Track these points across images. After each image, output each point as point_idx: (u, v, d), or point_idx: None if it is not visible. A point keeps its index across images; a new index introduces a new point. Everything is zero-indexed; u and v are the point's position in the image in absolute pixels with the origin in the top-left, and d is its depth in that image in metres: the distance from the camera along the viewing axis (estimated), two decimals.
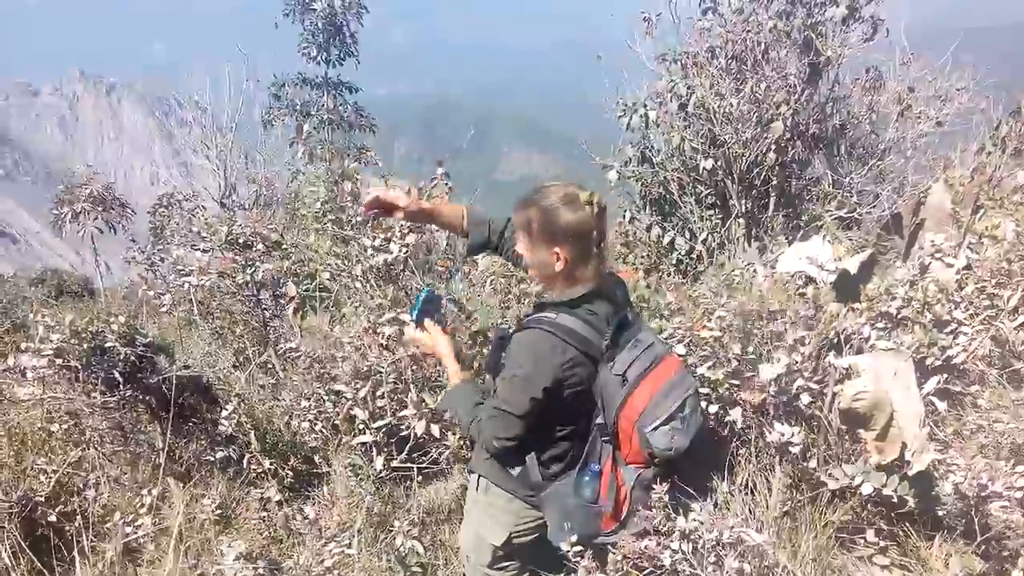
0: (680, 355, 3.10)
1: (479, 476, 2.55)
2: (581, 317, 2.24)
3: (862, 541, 2.72)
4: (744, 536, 2.20)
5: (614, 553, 2.38)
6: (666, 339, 3.18)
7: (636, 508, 2.34)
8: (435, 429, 3.41)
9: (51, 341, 3.34)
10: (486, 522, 2.55)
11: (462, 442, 3.39)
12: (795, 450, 2.65)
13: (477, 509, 2.58)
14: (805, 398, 2.76)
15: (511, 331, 2.42)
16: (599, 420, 2.29)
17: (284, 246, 4.38)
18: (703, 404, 3.00)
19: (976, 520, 2.51)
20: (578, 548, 2.39)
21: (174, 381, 3.62)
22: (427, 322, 2.52)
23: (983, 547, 2.53)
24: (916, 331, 3.00)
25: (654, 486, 2.31)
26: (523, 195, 2.30)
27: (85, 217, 12.96)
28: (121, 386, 3.58)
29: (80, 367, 3.44)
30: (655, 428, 2.17)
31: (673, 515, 2.29)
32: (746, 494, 2.80)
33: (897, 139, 6.57)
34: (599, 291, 2.30)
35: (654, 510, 2.32)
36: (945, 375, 2.94)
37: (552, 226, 2.21)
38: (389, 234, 3.68)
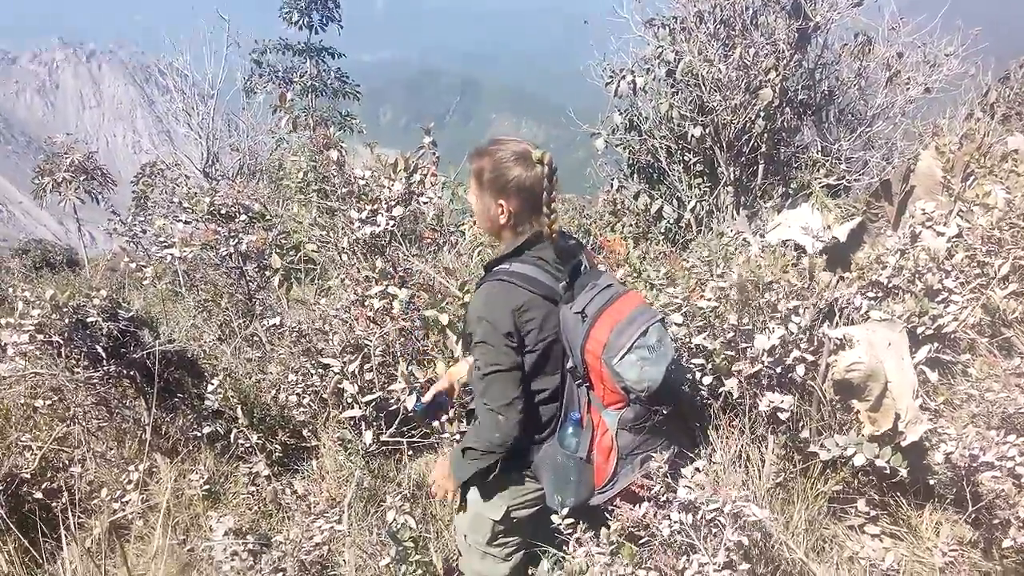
0: (676, 324, 3.10)
1: None
2: (530, 262, 2.29)
3: (853, 511, 2.73)
4: (744, 510, 2.19)
5: (608, 524, 2.37)
6: (661, 307, 3.18)
7: (625, 455, 2.33)
8: None
9: (32, 316, 3.28)
10: (483, 499, 2.52)
11: (455, 416, 3.37)
12: (783, 416, 2.64)
13: (474, 488, 2.54)
14: (800, 369, 2.75)
15: None
16: (569, 364, 2.30)
17: (267, 217, 4.31)
18: (693, 365, 3.00)
19: (967, 489, 2.51)
20: (569, 521, 2.39)
21: (158, 356, 3.57)
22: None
23: (973, 516, 2.54)
24: (907, 300, 2.98)
25: (640, 426, 2.30)
26: (479, 145, 2.34)
27: (67, 187, 12.79)
28: (104, 361, 3.52)
29: (62, 342, 3.38)
30: (621, 358, 2.16)
31: (673, 485, 2.28)
32: (739, 466, 2.79)
33: (886, 105, 6.52)
34: (541, 239, 2.32)
35: (653, 478, 2.31)
36: (936, 344, 2.93)
37: (501, 179, 2.26)
38: (376, 206, 3.61)
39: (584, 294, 2.25)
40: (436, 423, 3.36)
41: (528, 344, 2.25)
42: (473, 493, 2.55)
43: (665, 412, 2.33)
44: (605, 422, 2.31)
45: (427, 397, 2.84)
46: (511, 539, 2.58)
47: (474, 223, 2.46)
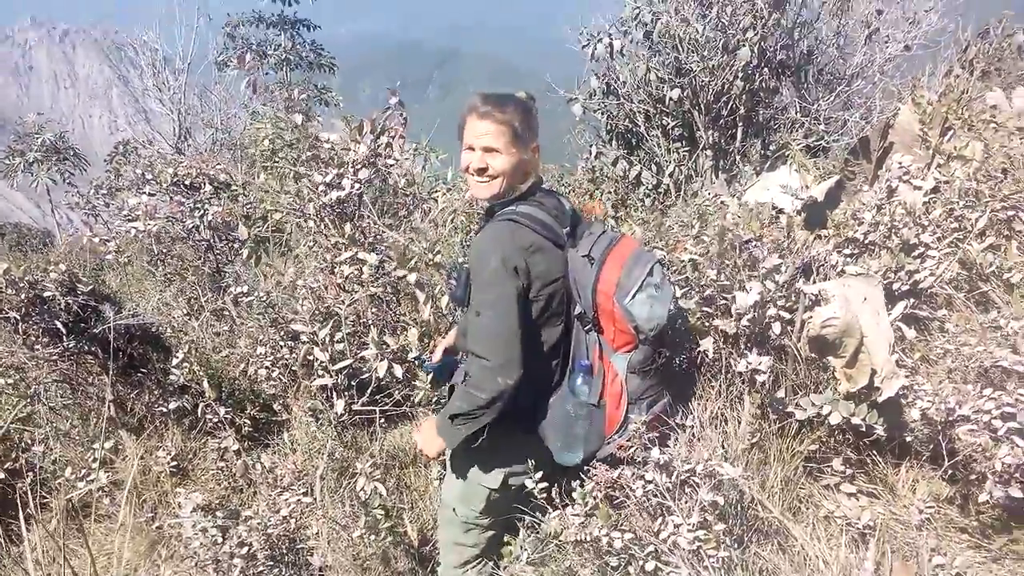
0: None
1: None
2: (535, 205, 2.28)
3: (829, 470, 2.69)
4: (717, 469, 2.15)
5: (584, 483, 2.32)
6: None
7: (634, 400, 2.31)
8: (397, 370, 3.31)
9: None
10: (479, 467, 2.45)
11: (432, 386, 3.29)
12: (762, 378, 2.59)
13: (468, 457, 2.46)
14: (776, 327, 2.70)
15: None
16: (577, 310, 2.28)
17: (233, 187, 4.20)
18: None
19: (943, 445, 2.48)
20: (544, 485, 2.34)
21: (120, 330, 3.47)
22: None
23: (950, 472, 2.51)
24: (883, 256, 2.93)
25: (646, 369, 2.30)
26: (493, 97, 2.28)
27: (39, 167, 12.58)
28: (65, 337, 3.42)
29: (19, 318, 3.28)
30: (633, 297, 2.18)
31: (648, 446, 2.24)
32: (715, 426, 2.75)
33: (865, 64, 6.46)
34: (539, 185, 2.36)
35: (630, 440, 2.27)
36: (912, 300, 2.89)
37: (533, 122, 2.29)
38: (342, 170, 3.51)
39: (586, 239, 2.27)
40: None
41: (534, 290, 2.20)
42: (470, 464, 2.47)
43: (667, 355, 2.32)
44: (614, 367, 2.29)
45: (436, 355, 2.71)
46: (502, 508, 2.52)
47: (475, 183, 2.34)
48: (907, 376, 2.54)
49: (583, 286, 2.22)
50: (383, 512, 2.71)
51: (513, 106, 2.25)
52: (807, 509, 2.62)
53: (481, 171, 2.27)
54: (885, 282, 2.83)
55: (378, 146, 3.46)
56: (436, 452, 2.42)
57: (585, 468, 2.36)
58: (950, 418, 2.41)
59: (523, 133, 2.25)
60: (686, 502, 2.20)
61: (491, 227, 2.25)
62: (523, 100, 2.31)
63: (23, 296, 3.25)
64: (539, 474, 2.36)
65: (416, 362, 3.15)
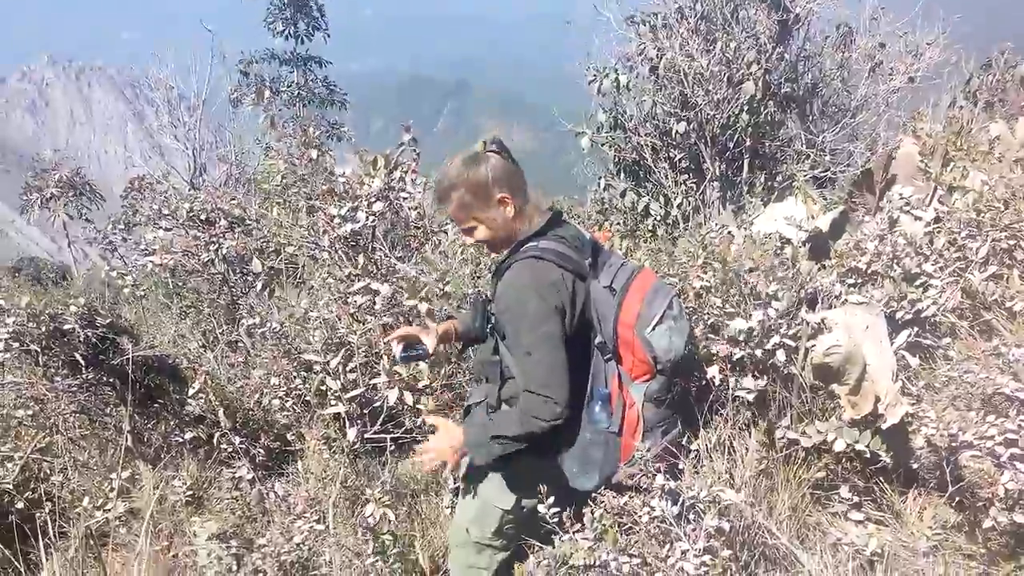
0: None
1: None
2: (555, 239, 2.32)
3: (837, 497, 2.71)
4: (722, 495, 2.18)
5: (593, 509, 2.35)
6: None
7: (649, 428, 2.34)
8: (408, 397, 3.36)
9: (7, 324, 3.26)
10: (494, 488, 2.48)
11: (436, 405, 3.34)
12: (751, 397, 2.63)
13: (482, 478, 2.50)
14: (781, 355, 2.74)
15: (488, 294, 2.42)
16: (597, 340, 2.31)
17: (247, 221, 4.29)
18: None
19: (948, 471, 2.50)
20: (555, 510, 2.36)
21: (138, 362, 3.54)
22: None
23: (956, 498, 2.53)
24: (886, 285, 2.97)
25: (662, 399, 2.34)
26: (437, 190, 2.38)
27: (56, 203, 12.75)
28: (84, 369, 3.50)
29: (40, 351, 3.36)
30: (653, 328, 2.23)
31: (653, 472, 2.27)
32: (722, 453, 2.78)
33: (869, 96, 6.54)
34: (558, 217, 2.40)
35: (639, 468, 2.30)
36: (915, 328, 2.93)
37: (481, 183, 2.29)
38: (356, 203, 3.60)
39: (607, 270, 2.32)
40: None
41: (566, 321, 2.25)
42: (485, 484, 2.50)
43: (683, 385, 2.36)
44: (632, 395, 2.32)
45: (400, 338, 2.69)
46: (515, 529, 2.55)
47: (485, 251, 2.47)
48: (912, 403, 2.57)
49: (604, 316, 2.27)
50: (392, 538, 2.74)
51: (453, 184, 2.30)
52: (815, 536, 2.64)
53: (478, 244, 2.43)
54: (888, 311, 2.87)
55: (392, 180, 3.55)
56: (451, 460, 2.38)
57: (595, 494, 2.40)
58: (954, 444, 2.44)
59: (476, 199, 2.30)
60: (693, 528, 2.22)
61: (518, 267, 2.29)
62: (468, 161, 2.33)
63: (44, 329, 3.33)
64: (551, 499, 2.39)
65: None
